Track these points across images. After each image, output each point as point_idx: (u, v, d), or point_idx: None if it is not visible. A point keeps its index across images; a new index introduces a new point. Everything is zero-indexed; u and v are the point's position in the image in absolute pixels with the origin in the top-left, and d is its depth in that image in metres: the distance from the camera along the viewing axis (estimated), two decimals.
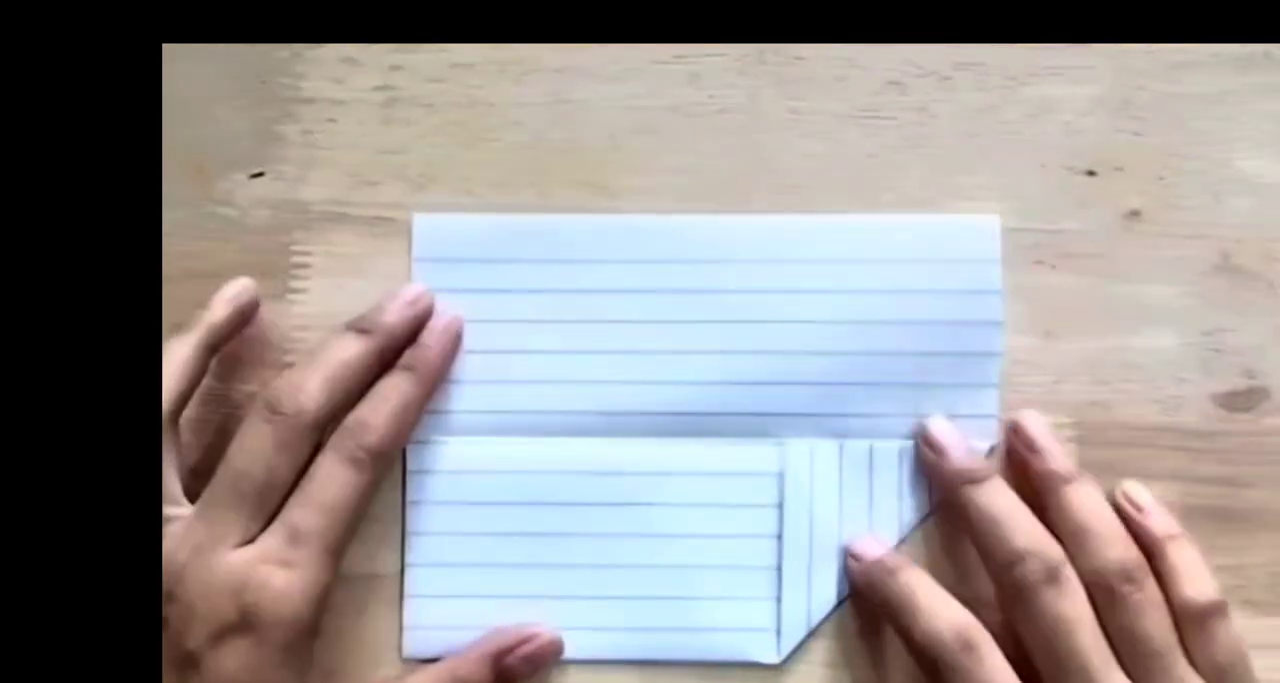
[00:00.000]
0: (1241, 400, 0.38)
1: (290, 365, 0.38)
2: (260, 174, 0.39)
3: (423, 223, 0.38)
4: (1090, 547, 0.35)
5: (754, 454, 0.38)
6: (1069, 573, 0.35)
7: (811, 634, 0.37)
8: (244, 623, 0.33)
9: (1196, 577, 0.35)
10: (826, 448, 0.37)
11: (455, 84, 0.38)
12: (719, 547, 0.37)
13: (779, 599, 0.37)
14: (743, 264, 0.38)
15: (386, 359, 0.36)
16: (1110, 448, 0.38)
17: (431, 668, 0.36)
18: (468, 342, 0.38)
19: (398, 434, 0.36)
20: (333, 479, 0.35)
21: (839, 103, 0.38)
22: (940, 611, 0.35)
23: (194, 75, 0.39)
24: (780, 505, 0.37)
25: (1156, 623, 0.35)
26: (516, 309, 0.38)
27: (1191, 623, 0.35)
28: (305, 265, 0.38)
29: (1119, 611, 0.35)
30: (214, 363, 0.37)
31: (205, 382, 0.37)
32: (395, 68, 0.38)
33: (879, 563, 0.36)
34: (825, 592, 0.37)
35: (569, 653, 0.37)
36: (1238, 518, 0.37)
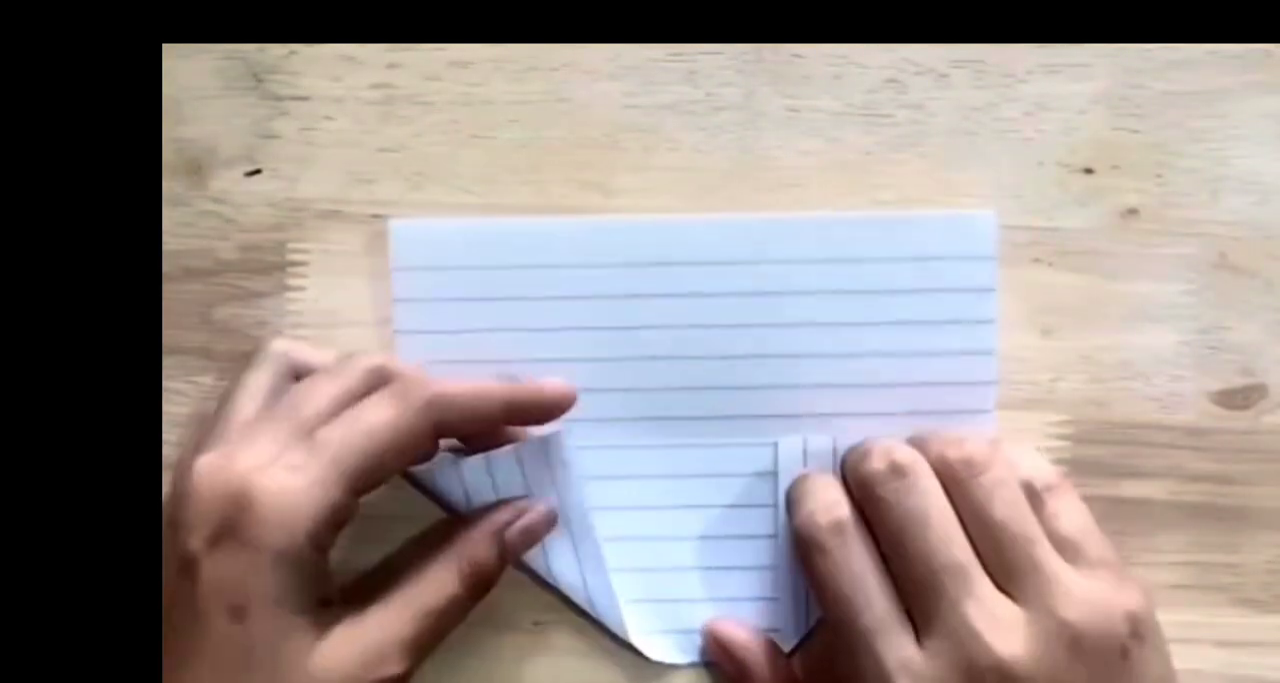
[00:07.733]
0: (1239, 398, 0.38)
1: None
2: (257, 172, 0.39)
3: (401, 230, 0.37)
4: (930, 442, 0.34)
5: (749, 456, 0.37)
6: (920, 471, 0.33)
7: (809, 635, 0.37)
8: (237, 524, 0.31)
9: (1029, 461, 0.34)
10: (820, 444, 0.37)
11: (452, 82, 0.38)
12: (715, 548, 0.37)
13: (775, 600, 0.37)
14: (735, 266, 0.37)
15: None
16: (1107, 446, 0.38)
17: (441, 555, 0.35)
18: (451, 353, 0.37)
19: (459, 402, 0.34)
20: (376, 409, 0.33)
21: (836, 101, 0.38)
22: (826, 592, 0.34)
23: (191, 73, 0.38)
24: (775, 506, 0.37)
25: (1009, 504, 0.32)
26: (501, 318, 0.37)
27: (1032, 504, 0.33)
28: (302, 263, 0.38)
29: (968, 497, 0.33)
30: (215, 364, 0.37)
31: (209, 380, 0.38)
32: (392, 66, 0.38)
33: (812, 537, 0.34)
34: None
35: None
36: (1235, 516, 0.37)
